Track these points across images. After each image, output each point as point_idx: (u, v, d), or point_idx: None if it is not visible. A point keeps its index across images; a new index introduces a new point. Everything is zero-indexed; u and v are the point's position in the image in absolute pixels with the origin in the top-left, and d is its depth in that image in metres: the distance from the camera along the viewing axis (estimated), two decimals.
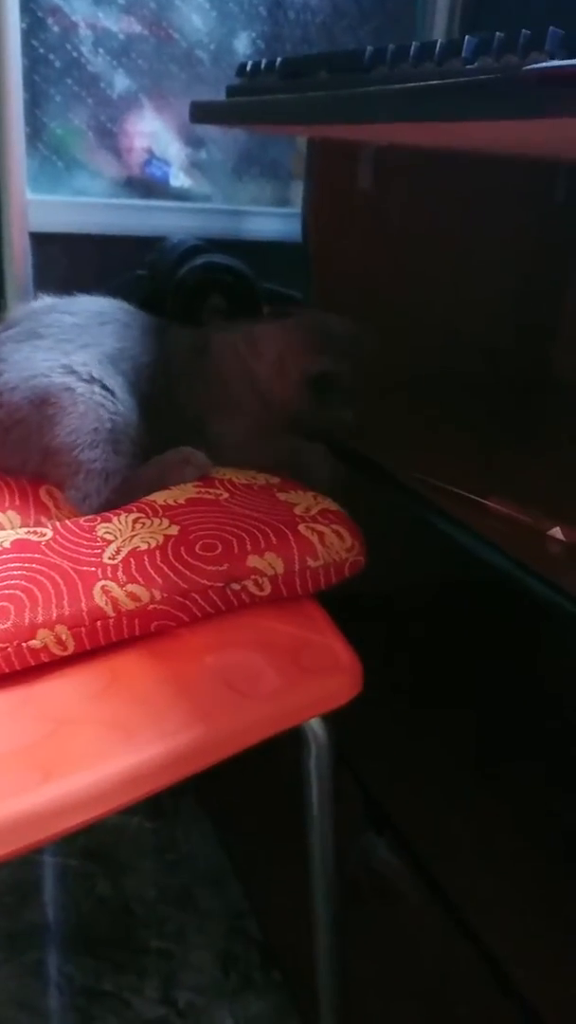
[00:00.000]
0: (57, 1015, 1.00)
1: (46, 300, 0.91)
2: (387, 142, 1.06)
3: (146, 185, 1.49)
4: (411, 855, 0.90)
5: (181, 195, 1.51)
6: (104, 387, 0.84)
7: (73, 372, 0.83)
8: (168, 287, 1.32)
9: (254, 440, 0.89)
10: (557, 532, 0.74)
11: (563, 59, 0.53)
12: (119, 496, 0.81)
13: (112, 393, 0.84)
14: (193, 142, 1.50)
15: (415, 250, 1.15)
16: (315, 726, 0.67)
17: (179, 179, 1.51)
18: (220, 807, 1.24)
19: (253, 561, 0.71)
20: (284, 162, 1.56)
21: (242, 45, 1.46)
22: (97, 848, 1.21)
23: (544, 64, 0.50)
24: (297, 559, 0.72)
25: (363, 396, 0.91)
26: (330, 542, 0.74)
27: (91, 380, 0.83)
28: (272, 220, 1.53)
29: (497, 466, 0.93)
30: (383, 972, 0.93)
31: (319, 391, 0.88)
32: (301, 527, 0.74)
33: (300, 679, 0.63)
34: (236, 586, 0.70)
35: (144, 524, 0.74)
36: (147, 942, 1.08)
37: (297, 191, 1.48)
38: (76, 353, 0.84)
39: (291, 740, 0.69)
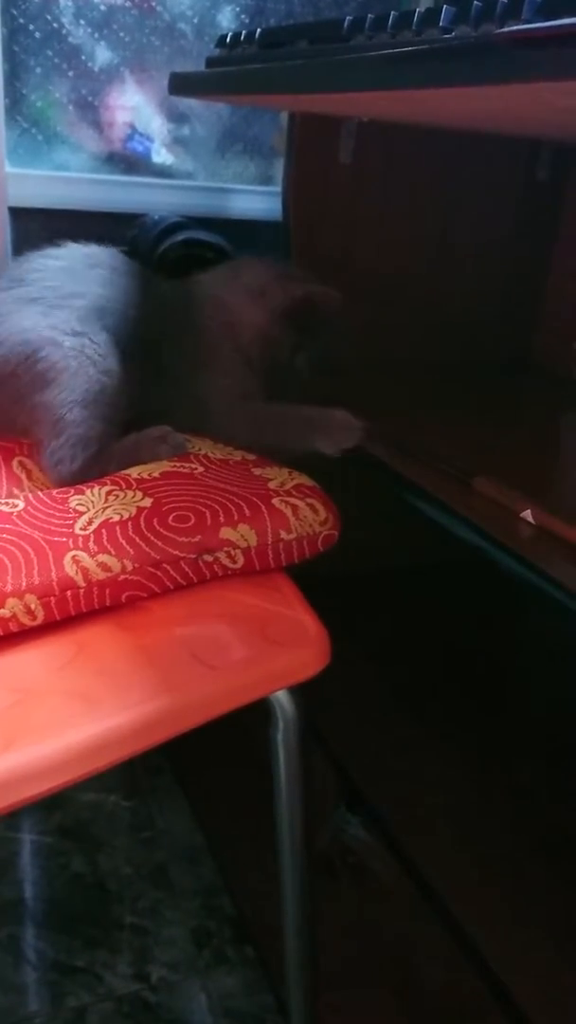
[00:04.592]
0: (30, 990, 1.00)
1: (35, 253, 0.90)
2: (367, 116, 1.05)
3: (127, 160, 1.47)
4: (384, 832, 0.91)
5: (163, 171, 1.50)
6: (92, 341, 0.83)
7: (57, 328, 0.82)
8: (148, 263, 1.31)
9: (237, 406, 0.87)
10: (528, 515, 0.74)
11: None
12: (92, 465, 0.80)
13: (99, 348, 0.83)
14: (176, 117, 1.48)
15: (396, 227, 1.15)
16: (282, 699, 0.67)
17: (161, 155, 1.49)
18: (196, 785, 1.24)
19: (226, 533, 0.70)
20: (268, 139, 1.54)
21: (226, 19, 1.44)
22: (73, 825, 1.21)
23: (515, 27, 0.50)
24: (270, 531, 0.72)
25: (342, 366, 0.88)
26: (304, 515, 0.74)
27: (76, 335, 0.82)
28: (255, 198, 1.51)
29: (476, 446, 0.93)
30: (354, 948, 0.93)
31: (299, 327, 0.84)
32: (275, 500, 0.74)
33: (266, 651, 0.63)
34: (208, 557, 0.70)
35: (117, 496, 0.73)
36: (121, 918, 1.08)
37: (280, 169, 1.47)
38: (59, 310, 0.83)
39: (265, 718, 0.69)
